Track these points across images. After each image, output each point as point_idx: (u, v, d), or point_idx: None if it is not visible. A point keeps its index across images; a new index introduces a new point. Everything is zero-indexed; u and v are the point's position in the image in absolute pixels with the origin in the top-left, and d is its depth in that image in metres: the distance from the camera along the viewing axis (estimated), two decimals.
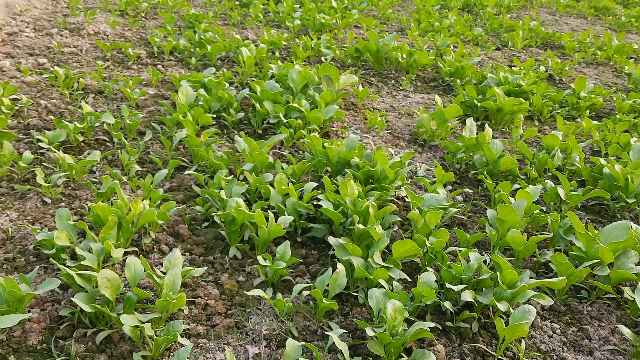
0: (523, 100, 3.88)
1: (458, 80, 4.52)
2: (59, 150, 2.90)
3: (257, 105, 3.54)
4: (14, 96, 3.49)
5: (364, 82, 4.64)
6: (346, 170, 2.87)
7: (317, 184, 2.72)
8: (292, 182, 2.80)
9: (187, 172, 2.67)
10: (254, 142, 2.86)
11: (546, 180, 2.92)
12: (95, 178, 2.77)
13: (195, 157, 3.00)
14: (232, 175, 2.79)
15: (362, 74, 4.76)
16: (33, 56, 4.34)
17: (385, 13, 6.97)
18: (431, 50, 5.26)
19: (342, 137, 3.56)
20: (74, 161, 2.71)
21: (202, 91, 3.63)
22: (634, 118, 4.05)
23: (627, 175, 2.88)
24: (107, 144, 3.13)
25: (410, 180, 3.09)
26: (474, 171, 3.23)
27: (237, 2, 6.65)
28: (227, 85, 3.86)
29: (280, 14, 6.25)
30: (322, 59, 4.90)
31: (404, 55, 4.85)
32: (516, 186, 2.86)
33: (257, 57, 4.58)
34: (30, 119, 3.27)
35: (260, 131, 3.51)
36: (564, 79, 5.13)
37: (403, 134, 3.73)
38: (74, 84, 3.82)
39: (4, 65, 4.02)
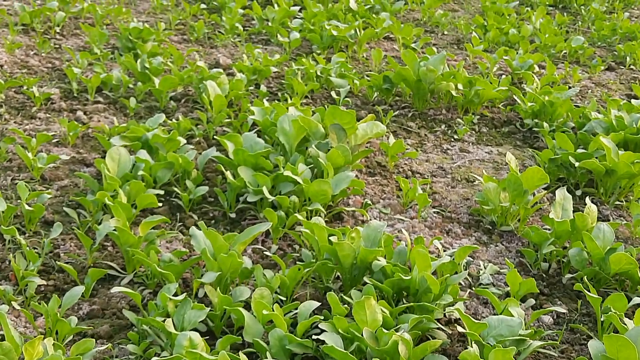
0: None
1: (545, 124, 4.63)
2: None
3: (228, 174, 3.67)
4: None
5: (397, 128, 4.78)
6: (365, 279, 2.94)
7: (319, 304, 2.78)
8: (280, 300, 2.86)
9: (115, 288, 2.75)
10: (221, 237, 2.95)
11: None
12: None
13: (130, 262, 3.09)
14: (185, 293, 2.86)
15: (394, 116, 4.91)
16: None
17: (432, 16, 7.22)
18: (503, 76, 5.41)
19: (363, 221, 3.65)
20: None
21: (143, 154, 3.77)
22: None
23: None
24: None
25: (469, 291, 3.14)
26: (569, 274, 3.28)
27: (203, 6, 6.94)
28: (184, 142, 4.02)
29: (270, 23, 6.52)
30: (333, 94, 5.07)
31: (460, 86, 5.01)
32: (636, 300, 2.89)
33: (232, 94, 4.77)
34: None
35: (232, 215, 3.63)
36: None
37: (458, 213, 3.81)
38: None
39: None
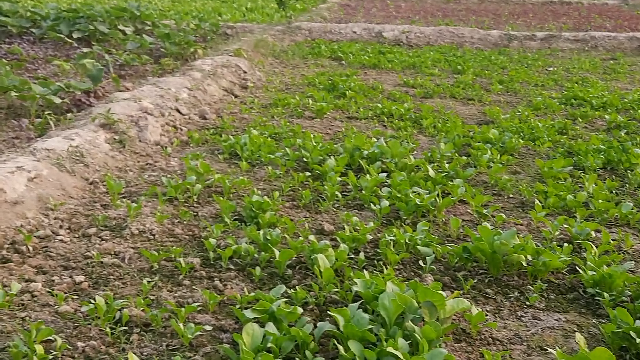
0: None
1: (606, 294, 4.62)
2: None
3: (341, 348, 3.79)
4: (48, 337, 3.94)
5: (477, 294, 4.84)
6: None
7: None
8: None
9: None
10: None
11: None
12: None
13: None
14: None
15: (474, 283, 4.96)
16: (68, 270, 4.92)
17: (498, 180, 7.32)
18: (565, 245, 5.42)
19: None
20: None
21: (271, 327, 3.95)
22: None
23: None
24: None
25: None
26: None
27: (307, 174, 7.24)
28: (301, 311, 4.19)
29: (363, 191, 6.74)
30: (421, 263, 5.19)
31: (529, 257, 5.06)
32: None
33: (337, 264, 4.95)
34: None
35: None
36: None
37: None
38: (116, 314, 4.26)
39: (35, 288, 4.58)
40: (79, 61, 10.47)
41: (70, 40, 14.87)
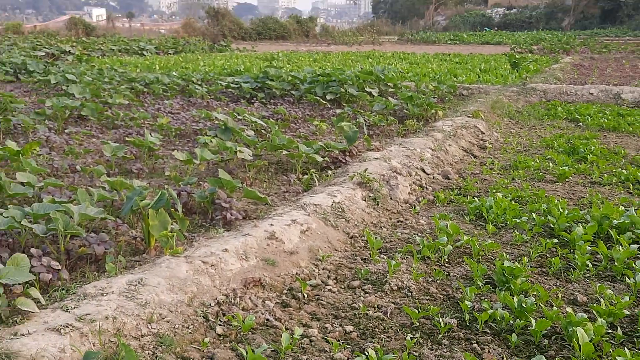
0: None
1: None
2: None
3: None
4: None
5: None
6: None
7: None
8: None
9: None
10: None
11: None
12: None
13: None
14: None
15: None
16: (338, 319, 5.31)
17: None
18: None
19: None
20: None
21: None
22: None
23: None
24: None
25: None
26: None
27: (555, 240, 7.08)
28: None
29: (615, 262, 6.43)
30: None
31: None
32: None
33: (595, 339, 4.78)
34: None
35: None
36: None
37: None
38: None
39: (312, 334, 5.01)
40: (336, 124, 11.27)
41: (324, 102, 16.01)
